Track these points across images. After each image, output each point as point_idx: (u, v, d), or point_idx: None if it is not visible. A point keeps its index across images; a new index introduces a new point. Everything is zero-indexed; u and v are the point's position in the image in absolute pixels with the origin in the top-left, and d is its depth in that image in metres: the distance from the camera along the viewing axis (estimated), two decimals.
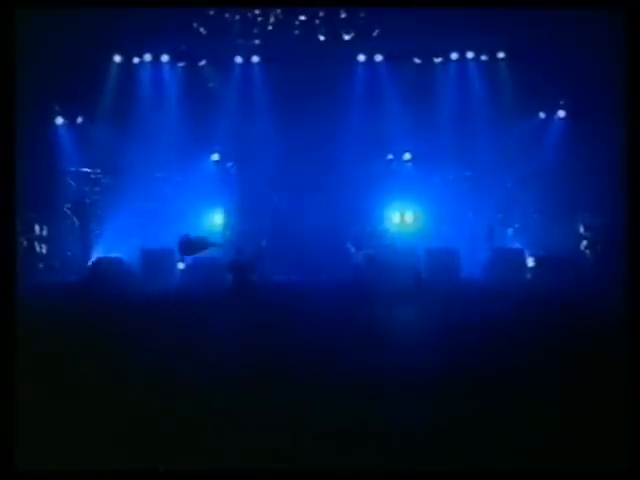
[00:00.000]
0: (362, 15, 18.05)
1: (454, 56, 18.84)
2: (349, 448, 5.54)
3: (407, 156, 18.79)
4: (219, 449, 5.60)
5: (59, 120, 18.58)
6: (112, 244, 17.56)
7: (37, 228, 17.72)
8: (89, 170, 18.41)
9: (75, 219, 17.99)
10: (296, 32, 18.16)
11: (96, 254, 17.23)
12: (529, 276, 16.58)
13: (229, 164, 18.75)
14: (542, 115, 18.77)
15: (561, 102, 18.50)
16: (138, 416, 6.28)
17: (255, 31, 18.35)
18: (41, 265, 17.56)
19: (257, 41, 18.53)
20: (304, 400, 6.67)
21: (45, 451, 5.39)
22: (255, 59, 18.80)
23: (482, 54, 18.79)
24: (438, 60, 18.94)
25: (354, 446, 5.57)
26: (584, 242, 17.41)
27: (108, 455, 5.38)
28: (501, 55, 18.64)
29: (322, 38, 18.31)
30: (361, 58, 18.84)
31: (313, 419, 6.14)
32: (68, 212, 18.05)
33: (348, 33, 18.30)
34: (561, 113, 18.61)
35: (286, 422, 6.12)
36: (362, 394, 6.89)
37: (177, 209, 18.15)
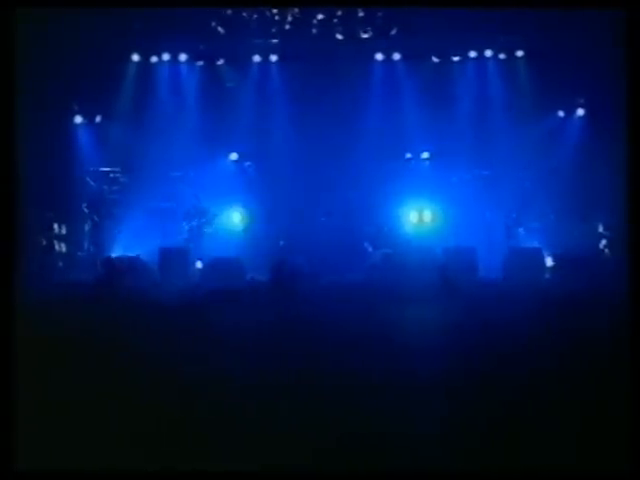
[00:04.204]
0: (380, 14, 18.02)
1: (472, 54, 18.77)
2: (366, 450, 5.45)
3: (425, 155, 18.77)
4: (225, 450, 5.49)
5: (78, 119, 18.64)
6: (130, 243, 17.56)
7: (56, 227, 17.77)
8: (107, 169, 18.48)
9: (94, 218, 18.00)
10: (314, 31, 18.19)
11: (114, 253, 17.20)
12: (547, 275, 16.46)
13: (247, 163, 18.78)
14: (561, 114, 18.71)
15: (580, 100, 18.45)
16: (141, 416, 6.15)
17: (273, 30, 18.39)
18: (60, 264, 17.58)
19: (275, 40, 18.55)
20: (321, 400, 6.58)
21: (45, 451, 5.29)
22: (273, 58, 18.79)
23: (500, 52, 18.74)
24: (456, 59, 18.89)
25: (371, 448, 5.48)
26: (603, 241, 17.30)
27: (108, 455, 5.28)
28: (520, 53, 18.59)
29: (340, 37, 18.33)
30: (379, 57, 18.80)
31: (328, 420, 6.05)
32: (86, 211, 18.05)
33: (366, 32, 18.31)
34: (580, 112, 18.55)
35: (301, 422, 6.02)
36: (378, 394, 6.79)
37: (194, 208, 18.08)
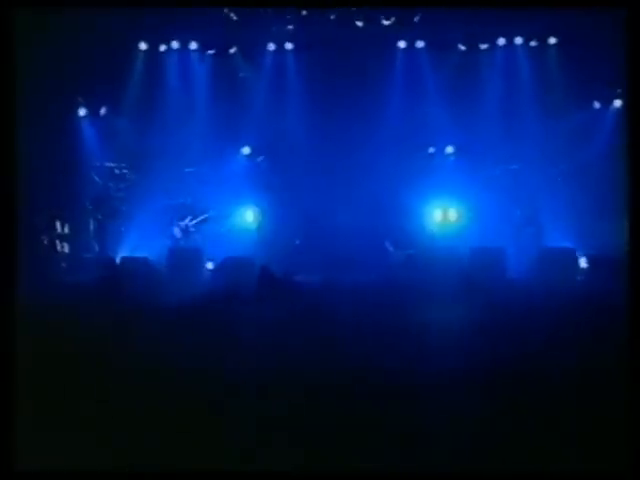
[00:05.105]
0: None
1: (501, 42, 18.15)
2: (383, 449, 5.58)
3: (450, 149, 18.29)
4: (234, 450, 5.60)
5: (82, 112, 18.18)
6: (138, 243, 17.25)
7: (58, 226, 17.40)
8: (113, 164, 18.09)
9: (99, 216, 17.67)
10: (332, 17, 17.50)
11: (120, 253, 16.92)
12: (579, 277, 16.15)
13: (260, 158, 18.32)
14: (597, 105, 18.03)
15: (618, 91, 17.59)
16: (141, 417, 6.30)
17: (288, 17, 17.76)
18: (63, 264, 17.23)
19: (290, 27, 17.93)
20: (339, 401, 6.71)
21: (45, 451, 5.48)
22: (289, 46, 18.25)
23: (532, 40, 18.08)
24: (484, 47, 18.26)
25: (390, 448, 5.61)
26: None
27: (108, 455, 5.45)
28: (552, 40, 17.91)
29: (360, 24, 17.70)
30: (401, 45, 18.23)
31: (345, 419, 6.17)
32: (91, 208, 17.71)
33: (387, 18, 17.68)
34: (617, 103, 17.78)
35: (318, 422, 6.13)
36: (400, 394, 6.93)
37: (206, 205, 17.85)
